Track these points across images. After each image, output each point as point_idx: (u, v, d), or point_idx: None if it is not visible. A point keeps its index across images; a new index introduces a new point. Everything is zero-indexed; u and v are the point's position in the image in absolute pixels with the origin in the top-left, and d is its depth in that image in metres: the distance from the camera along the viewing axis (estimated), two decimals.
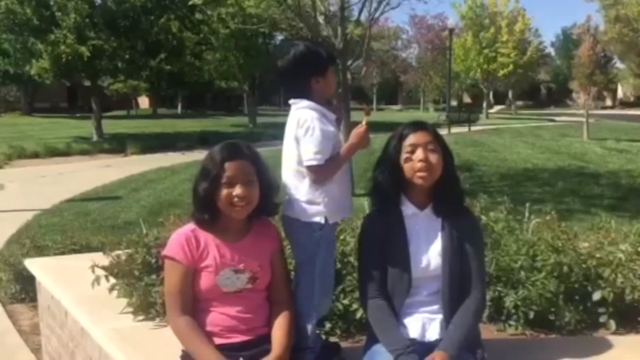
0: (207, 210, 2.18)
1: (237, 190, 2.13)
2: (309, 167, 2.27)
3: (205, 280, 2.17)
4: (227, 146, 2.20)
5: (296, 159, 2.31)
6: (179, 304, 2.16)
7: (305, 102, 2.33)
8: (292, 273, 2.50)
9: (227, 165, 2.13)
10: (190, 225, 2.24)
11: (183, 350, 2.20)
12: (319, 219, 2.31)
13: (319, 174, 2.28)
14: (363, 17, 12.35)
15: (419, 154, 2.19)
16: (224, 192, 2.13)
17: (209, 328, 2.18)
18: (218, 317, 2.19)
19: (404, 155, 2.21)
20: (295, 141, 2.30)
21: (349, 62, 11.74)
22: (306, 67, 2.35)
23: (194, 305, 2.19)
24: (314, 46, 2.41)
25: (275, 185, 2.30)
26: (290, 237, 2.41)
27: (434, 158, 2.20)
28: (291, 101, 2.38)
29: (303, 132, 2.27)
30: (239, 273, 2.20)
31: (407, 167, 2.21)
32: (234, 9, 19.64)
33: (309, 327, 2.33)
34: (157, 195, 11.70)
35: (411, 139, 2.22)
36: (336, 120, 2.40)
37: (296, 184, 2.33)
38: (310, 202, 2.31)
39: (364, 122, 2.31)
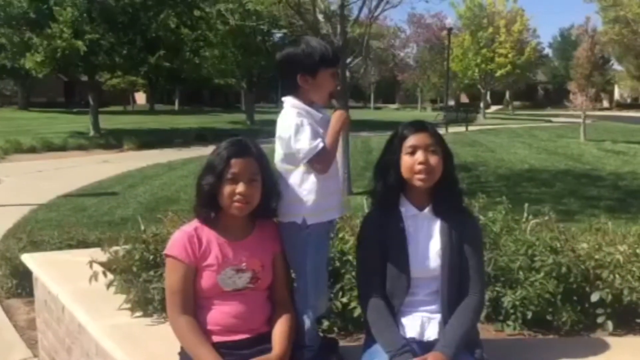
0: (209, 205, 2.16)
1: (240, 188, 2.12)
2: (313, 158, 2.20)
3: (206, 279, 2.16)
4: (235, 142, 2.18)
5: (279, 157, 2.28)
6: (179, 303, 2.15)
7: (290, 101, 2.30)
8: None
9: (233, 161, 2.12)
10: (193, 223, 2.22)
11: (182, 347, 2.19)
12: (295, 220, 2.26)
13: (321, 162, 2.21)
14: (363, 15, 12.36)
15: (419, 156, 2.17)
16: (227, 188, 2.12)
17: (209, 326, 2.17)
18: (218, 315, 2.18)
19: (404, 157, 2.19)
20: (279, 140, 2.26)
21: (348, 60, 11.73)
22: (293, 63, 2.31)
23: (195, 303, 2.18)
24: (312, 44, 2.34)
25: (277, 186, 2.27)
26: (282, 238, 2.35)
27: (434, 160, 2.18)
28: (283, 98, 2.35)
29: (293, 131, 2.20)
30: (241, 272, 2.18)
31: (406, 168, 2.18)
32: (233, 5, 19.62)
33: (306, 325, 2.33)
34: (154, 192, 11.69)
35: (411, 140, 2.19)
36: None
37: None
38: (290, 203, 2.26)
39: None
